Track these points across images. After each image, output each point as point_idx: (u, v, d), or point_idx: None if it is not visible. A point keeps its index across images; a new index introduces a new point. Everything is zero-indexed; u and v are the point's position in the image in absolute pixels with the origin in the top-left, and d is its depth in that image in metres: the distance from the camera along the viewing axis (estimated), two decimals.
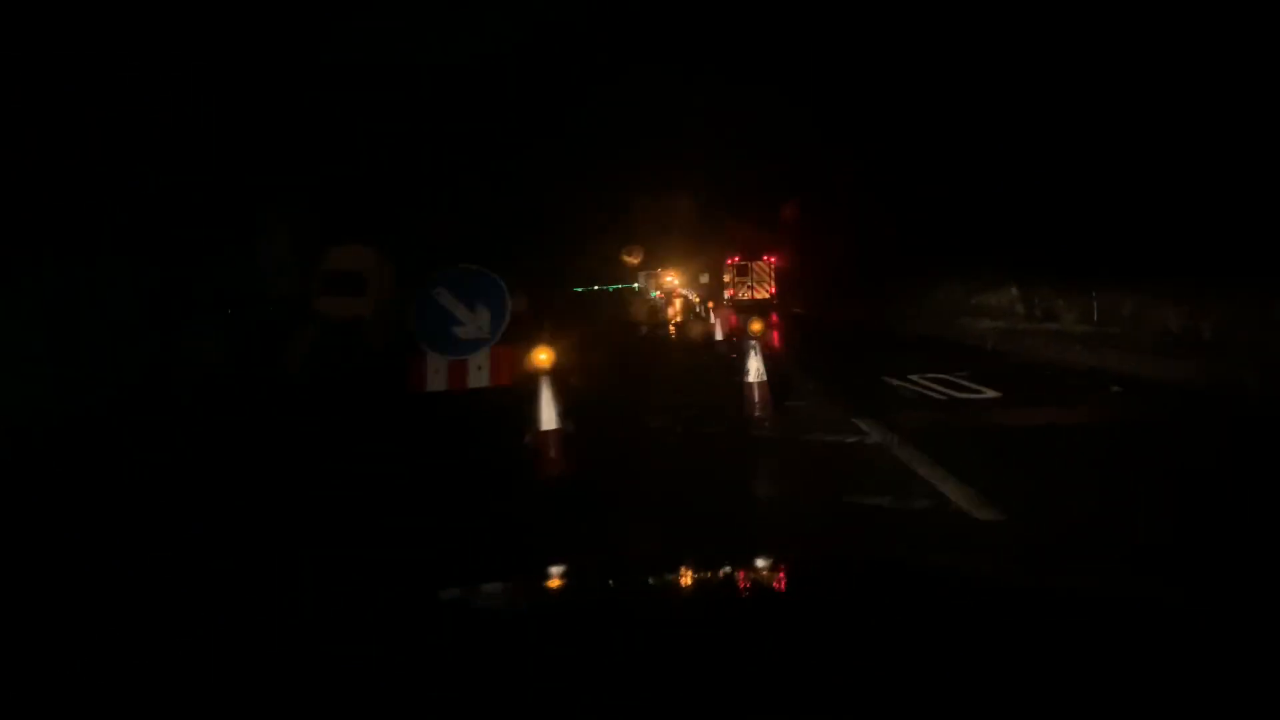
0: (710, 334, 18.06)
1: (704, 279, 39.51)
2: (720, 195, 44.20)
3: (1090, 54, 15.61)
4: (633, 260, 39.07)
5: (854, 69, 25.58)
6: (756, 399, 7.14)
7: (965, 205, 20.64)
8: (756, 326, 7.42)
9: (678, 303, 37.40)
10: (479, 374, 5.91)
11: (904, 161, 23.99)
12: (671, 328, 25.95)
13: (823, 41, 27.05)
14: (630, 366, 12.76)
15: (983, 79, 19.29)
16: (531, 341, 6.14)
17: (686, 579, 1.64)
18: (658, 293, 45.49)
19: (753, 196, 42.96)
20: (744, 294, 32.42)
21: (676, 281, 48.61)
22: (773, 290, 32.39)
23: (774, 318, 27.23)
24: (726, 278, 33.66)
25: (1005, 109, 18.60)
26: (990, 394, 8.37)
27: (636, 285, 45.03)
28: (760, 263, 32.82)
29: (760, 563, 1.68)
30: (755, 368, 7.19)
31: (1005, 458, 5.45)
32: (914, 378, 9.85)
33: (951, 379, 9.61)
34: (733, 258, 33.66)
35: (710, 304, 26.98)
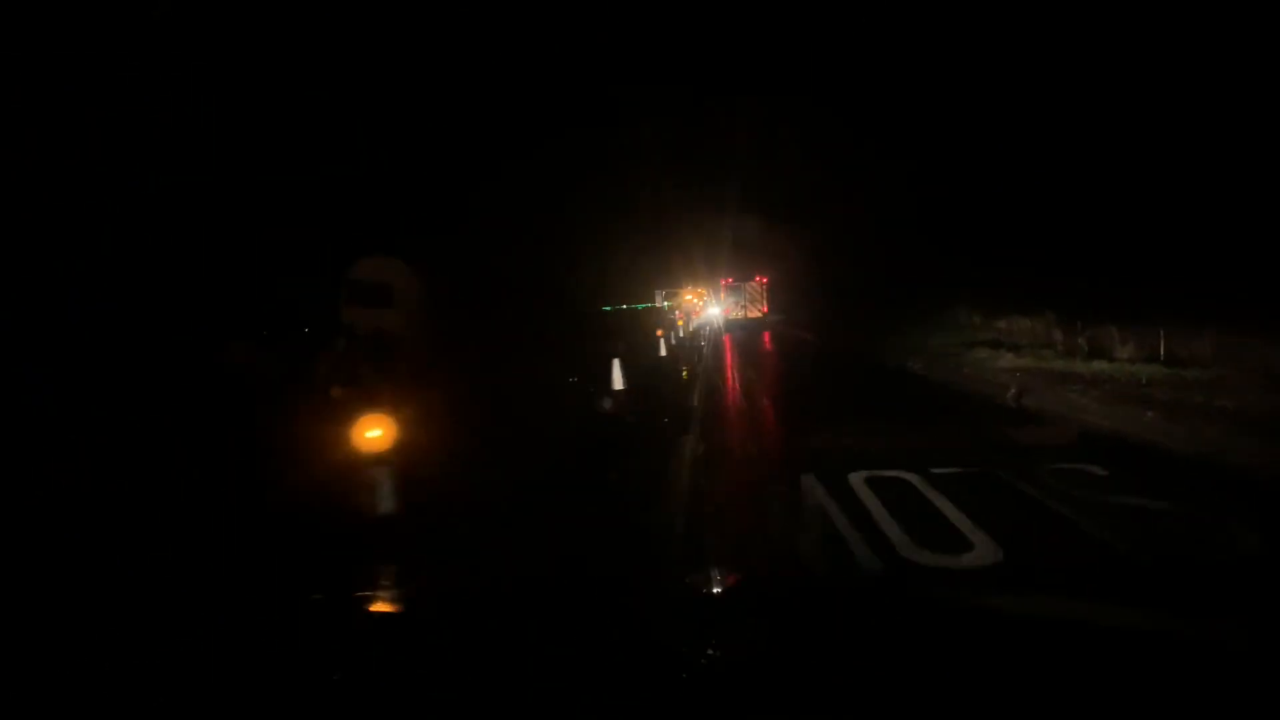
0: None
1: (723, 296, 38.49)
2: (744, 210, 42.01)
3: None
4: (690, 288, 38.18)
5: (862, 62, 22.56)
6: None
7: (980, 207, 16.21)
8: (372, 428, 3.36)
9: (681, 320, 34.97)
10: None
11: (911, 159, 20.01)
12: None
13: (826, 41, 24.45)
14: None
15: (1016, 51, 15.11)
16: None
17: None
18: (677, 311, 41.68)
19: (763, 212, 41.04)
20: (737, 314, 32.70)
21: (695, 299, 45.56)
22: (765, 310, 32.08)
23: (765, 338, 26.14)
24: (721, 297, 34.33)
25: (1034, 90, 14.43)
26: (978, 559, 3.89)
27: (665, 304, 43.16)
28: (753, 283, 32.53)
29: None
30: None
31: None
32: (856, 479, 5.41)
33: (919, 488, 5.16)
34: (726, 279, 34.02)
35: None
